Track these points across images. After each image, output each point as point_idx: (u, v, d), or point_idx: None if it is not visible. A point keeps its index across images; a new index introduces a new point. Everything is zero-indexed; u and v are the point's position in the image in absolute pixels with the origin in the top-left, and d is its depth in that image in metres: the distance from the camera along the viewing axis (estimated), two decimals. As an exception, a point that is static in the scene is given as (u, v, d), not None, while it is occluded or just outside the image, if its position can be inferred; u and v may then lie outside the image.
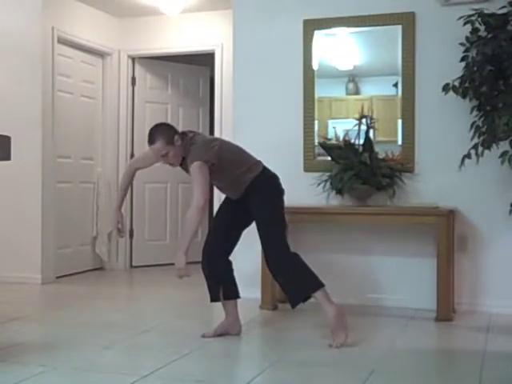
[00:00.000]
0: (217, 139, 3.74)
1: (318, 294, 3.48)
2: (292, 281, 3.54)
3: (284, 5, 4.91)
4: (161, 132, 3.51)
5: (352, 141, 4.61)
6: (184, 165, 3.58)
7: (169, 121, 6.81)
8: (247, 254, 4.51)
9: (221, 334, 3.66)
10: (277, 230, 3.59)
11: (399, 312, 4.39)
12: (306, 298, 3.54)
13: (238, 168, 3.59)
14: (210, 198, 3.82)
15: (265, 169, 3.71)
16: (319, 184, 4.65)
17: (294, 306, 3.55)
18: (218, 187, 3.81)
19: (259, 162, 3.71)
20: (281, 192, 3.75)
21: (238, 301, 3.72)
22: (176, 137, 3.51)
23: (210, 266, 3.64)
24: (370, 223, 4.56)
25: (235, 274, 3.73)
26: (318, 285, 3.50)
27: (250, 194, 3.62)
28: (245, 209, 3.65)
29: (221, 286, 3.66)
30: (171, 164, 3.58)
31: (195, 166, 3.43)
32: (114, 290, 5.47)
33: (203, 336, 3.62)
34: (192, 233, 3.39)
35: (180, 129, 6.87)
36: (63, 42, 5.85)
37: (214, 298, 3.70)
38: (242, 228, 3.77)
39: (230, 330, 3.68)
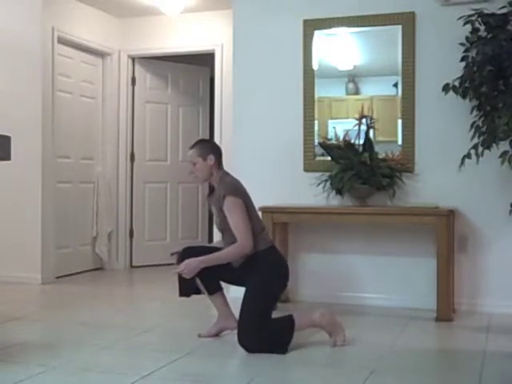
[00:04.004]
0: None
1: (298, 326, 3.37)
2: (267, 347, 3.31)
3: (284, 5, 4.91)
4: (201, 144, 3.67)
5: (352, 141, 4.61)
6: (212, 198, 3.59)
7: (169, 121, 6.85)
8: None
9: (217, 333, 3.65)
10: (262, 307, 3.37)
11: (399, 312, 4.39)
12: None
13: (254, 227, 3.47)
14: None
15: (275, 248, 3.60)
16: (319, 184, 4.65)
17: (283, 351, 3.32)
18: (223, 236, 3.61)
19: (271, 240, 3.66)
20: (283, 274, 3.51)
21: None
22: (211, 156, 3.56)
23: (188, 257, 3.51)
24: (370, 223, 4.56)
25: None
26: (291, 325, 3.35)
27: (250, 269, 3.44)
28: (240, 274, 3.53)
29: (194, 280, 3.53)
30: (196, 177, 3.63)
31: (232, 201, 3.42)
32: (113, 290, 5.48)
33: (200, 336, 3.63)
34: (221, 262, 3.44)
35: (180, 129, 6.98)
36: (63, 42, 5.85)
37: (184, 292, 3.60)
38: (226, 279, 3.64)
39: (225, 328, 3.65)
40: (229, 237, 3.50)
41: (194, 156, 3.60)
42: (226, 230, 3.53)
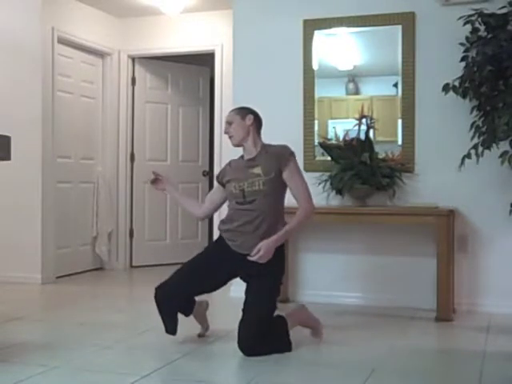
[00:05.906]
0: None
1: (291, 324, 3.40)
2: (271, 349, 3.29)
3: (284, 5, 4.91)
4: (243, 107, 3.59)
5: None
6: (259, 158, 3.43)
7: (169, 121, 6.85)
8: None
9: (206, 324, 3.64)
10: (269, 313, 3.34)
11: (399, 312, 4.39)
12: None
13: (282, 206, 3.45)
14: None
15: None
16: (319, 184, 4.65)
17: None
18: (240, 203, 3.44)
19: None
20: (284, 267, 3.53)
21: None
22: (250, 116, 3.46)
23: (169, 303, 3.40)
24: (370, 223, 4.55)
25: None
26: (287, 326, 3.37)
27: (255, 265, 3.30)
28: (235, 270, 3.43)
29: (176, 315, 3.44)
30: (230, 137, 3.50)
31: (296, 162, 3.41)
32: (113, 290, 5.47)
33: (199, 336, 3.63)
34: (292, 234, 3.45)
35: (180, 129, 6.98)
36: (63, 42, 5.85)
37: (170, 331, 3.43)
38: (217, 285, 3.50)
39: (202, 311, 3.62)
40: (246, 203, 3.37)
41: (231, 115, 3.50)
42: (260, 191, 3.35)
